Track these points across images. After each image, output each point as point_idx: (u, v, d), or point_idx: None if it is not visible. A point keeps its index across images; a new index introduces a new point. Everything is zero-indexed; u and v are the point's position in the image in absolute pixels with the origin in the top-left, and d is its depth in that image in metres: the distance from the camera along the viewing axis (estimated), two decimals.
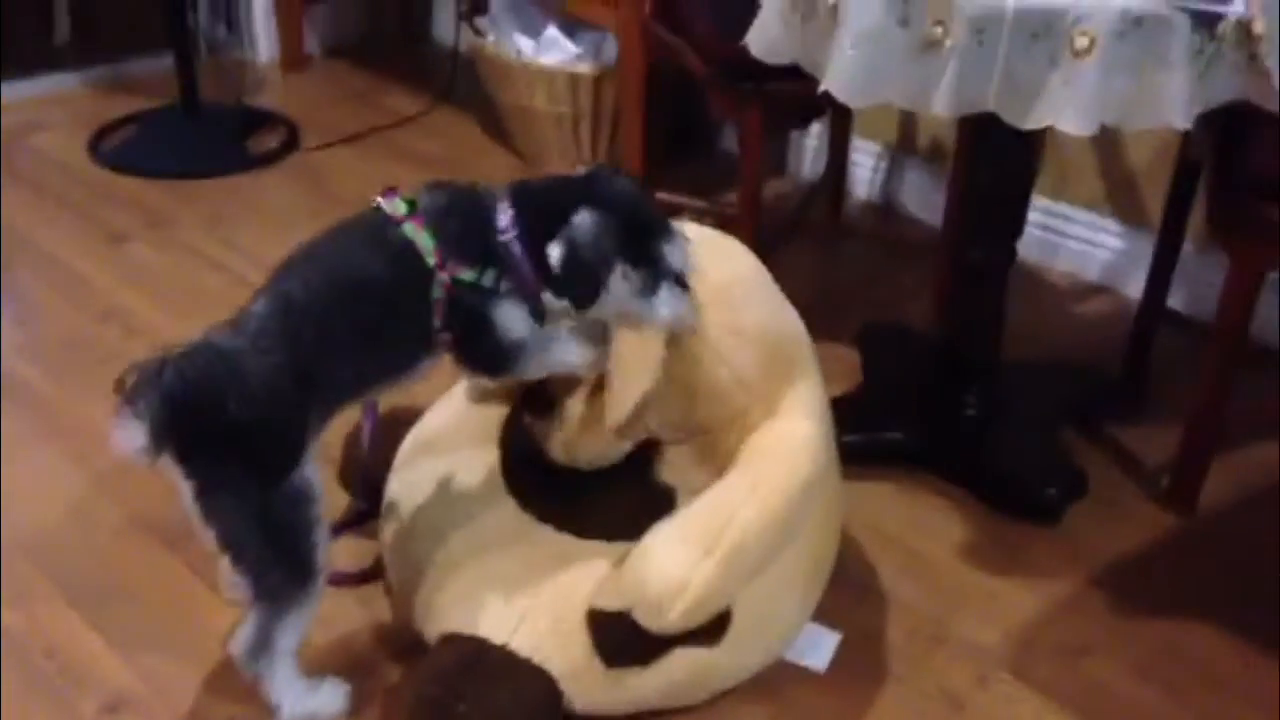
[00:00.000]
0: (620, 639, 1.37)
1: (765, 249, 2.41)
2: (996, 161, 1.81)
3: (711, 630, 1.41)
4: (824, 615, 1.62)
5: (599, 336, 1.48)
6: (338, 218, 2.67)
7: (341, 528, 1.73)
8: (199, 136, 2.95)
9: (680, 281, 1.41)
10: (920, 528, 1.82)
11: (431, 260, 1.35)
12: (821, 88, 1.55)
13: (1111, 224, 2.50)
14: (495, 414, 1.69)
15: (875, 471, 1.91)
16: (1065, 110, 1.46)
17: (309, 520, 1.35)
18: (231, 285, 2.36)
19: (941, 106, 1.50)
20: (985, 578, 1.73)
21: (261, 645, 1.39)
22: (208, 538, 1.32)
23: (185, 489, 1.30)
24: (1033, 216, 2.57)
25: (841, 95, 1.54)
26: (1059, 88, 1.45)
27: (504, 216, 1.38)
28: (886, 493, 1.89)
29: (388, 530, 1.61)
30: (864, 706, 1.52)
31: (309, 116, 3.15)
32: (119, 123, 3.03)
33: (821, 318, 2.33)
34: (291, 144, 2.99)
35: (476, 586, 1.46)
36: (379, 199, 1.39)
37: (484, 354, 1.43)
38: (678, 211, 2.60)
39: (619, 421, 1.47)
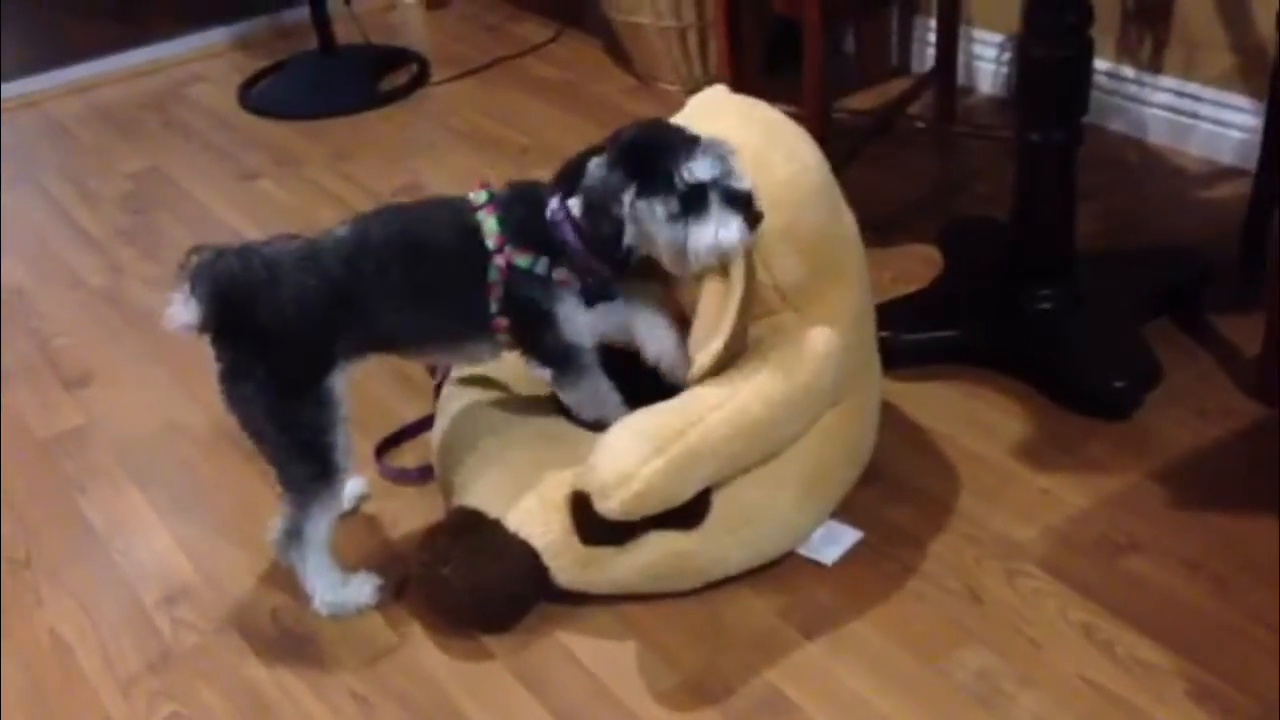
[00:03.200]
0: (596, 519, 1.40)
1: (851, 150, 2.38)
2: (1050, 32, 1.70)
3: (688, 516, 1.42)
4: (854, 512, 1.60)
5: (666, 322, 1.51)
6: (451, 149, 2.79)
7: (418, 429, 1.82)
8: (333, 77, 3.09)
9: (730, 199, 1.34)
10: (974, 426, 1.75)
11: (491, 243, 1.42)
12: None
13: (1244, 102, 2.30)
14: None
15: (938, 370, 1.85)
16: None
17: (326, 421, 1.44)
18: (343, 216, 2.46)
19: None
20: (1036, 475, 1.66)
21: (291, 535, 1.49)
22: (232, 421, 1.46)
23: (218, 370, 1.43)
24: (1161, 98, 2.42)
25: None
26: None
27: (553, 201, 1.42)
28: (945, 391, 1.82)
29: (440, 421, 1.68)
30: (878, 600, 1.49)
31: (443, 51, 3.24)
32: (267, 70, 3.20)
33: (917, 215, 2.29)
34: (421, 79, 3.09)
35: (489, 467, 1.53)
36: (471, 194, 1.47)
37: (544, 348, 1.47)
38: None
39: (701, 372, 1.42)
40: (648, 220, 1.37)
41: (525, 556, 1.45)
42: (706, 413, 1.38)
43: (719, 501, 1.44)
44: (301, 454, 1.45)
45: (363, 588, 1.55)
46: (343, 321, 1.43)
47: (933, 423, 1.76)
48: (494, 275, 1.42)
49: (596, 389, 1.50)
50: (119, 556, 1.68)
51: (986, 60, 2.71)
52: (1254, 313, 1.85)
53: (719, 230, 1.35)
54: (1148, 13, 2.39)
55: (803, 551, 1.55)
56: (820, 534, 1.56)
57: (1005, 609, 1.46)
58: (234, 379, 1.43)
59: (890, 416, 1.77)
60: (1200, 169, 2.36)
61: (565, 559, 1.46)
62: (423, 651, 1.49)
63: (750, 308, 1.42)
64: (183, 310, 1.37)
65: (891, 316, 1.89)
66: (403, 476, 1.75)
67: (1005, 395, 1.80)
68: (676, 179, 1.34)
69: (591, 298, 1.45)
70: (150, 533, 1.71)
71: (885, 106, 2.62)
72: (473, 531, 1.47)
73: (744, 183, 1.36)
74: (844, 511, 1.60)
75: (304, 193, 2.60)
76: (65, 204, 2.64)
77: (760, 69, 2.77)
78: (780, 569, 1.54)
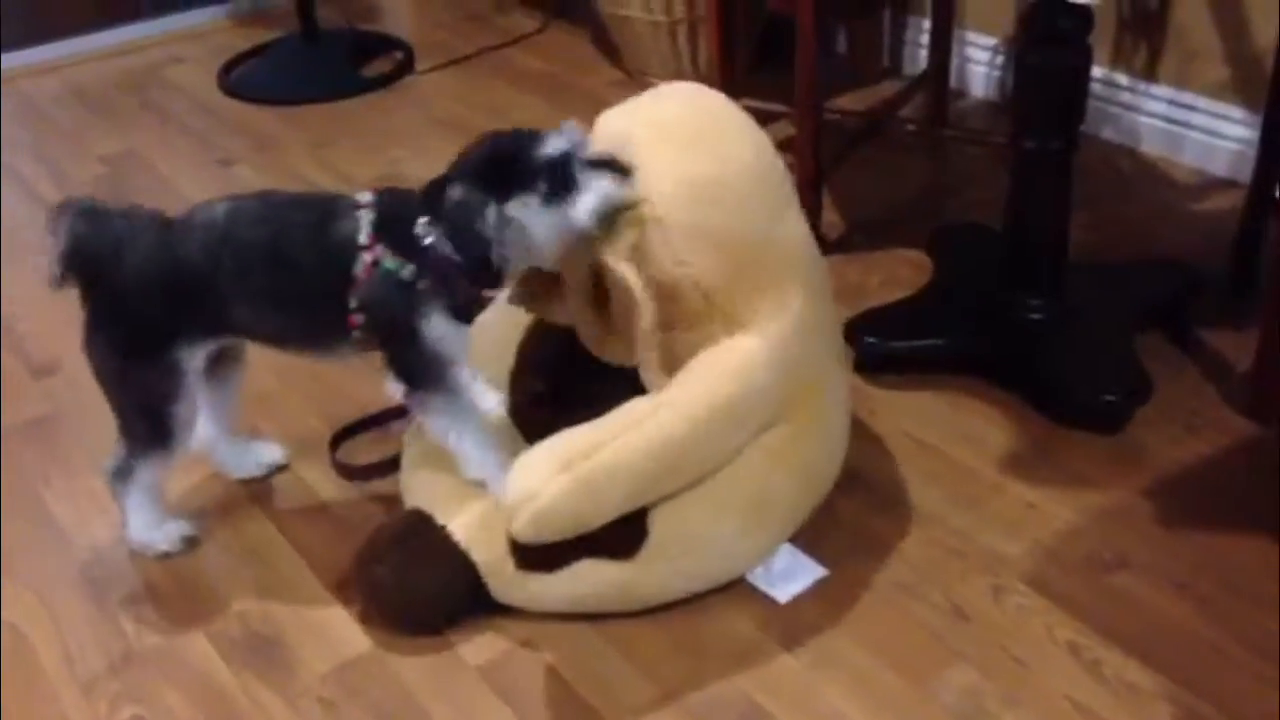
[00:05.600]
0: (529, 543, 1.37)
1: (841, 152, 2.35)
2: (1047, 38, 1.67)
3: (621, 545, 1.38)
4: (837, 522, 1.57)
5: None
6: (433, 139, 2.75)
7: (379, 420, 1.78)
8: (317, 63, 3.04)
9: (596, 164, 1.35)
10: (963, 437, 1.72)
11: (364, 239, 1.40)
12: None
13: (1239, 113, 2.28)
14: (524, 322, 1.68)
15: (925, 378, 1.82)
16: None
17: (169, 390, 1.48)
18: None
19: None
20: (1025, 489, 1.63)
21: (122, 473, 1.53)
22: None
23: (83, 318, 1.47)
24: (1155, 106, 2.40)
25: None
26: None
27: (421, 220, 1.39)
28: (933, 400, 1.79)
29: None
30: (861, 614, 1.46)
31: (428, 39, 3.19)
32: (249, 53, 3.15)
33: (907, 220, 2.26)
34: (406, 67, 3.04)
35: (445, 471, 1.49)
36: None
37: (402, 359, 1.44)
38: (764, 116, 2.52)
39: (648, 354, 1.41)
40: (524, 218, 1.34)
41: (463, 568, 1.42)
42: (623, 430, 1.33)
43: (657, 529, 1.40)
44: (141, 415, 1.50)
45: (171, 534, 1.59)
46: (190, 304, 1.44)
47: (919, 432, 1.73)
48: (358, 269, 1.39)
49: (460, 415, 1.45)
50: (83, 552, 1.64)
51: (980, 63, 2.68)
52: (1246, 328, 1.83)
53: (596, 190, 1.34)
54: (1144, 20, 2.36)
55: (757, 583, 1.50)
56: (781, 565, 1.51)
57: (991, 626, 1.43)
58: (88, 330, 1.46)
59: (875, 425, 1.75)
60: (1193, 180, 2.33)
61: (502, 578, 1.43)
62: (394, 657, 1.45)
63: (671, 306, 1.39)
64: (50, 262, 1.41)
65: (879, 323, 1.88)
66: (352, 472, 1.71)
67: (993, 406, 1.77)
68: (535, 164, 1.33)
69: (460, 314, 1.42)
70: (115, 528, 1.66)
71: (877, 108, 2.59)
72: (416, 534, 1.44)
73: (598, 150, 1.36)
74: (826, 520, 1.56)
75: (282, 180, 2.55)
76: (37, 186, 2.58)
77: (751, 66, 2.74)
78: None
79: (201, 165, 2.63)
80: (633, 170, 1.35)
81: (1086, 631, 1.41)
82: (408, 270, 1.39)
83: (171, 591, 1.56)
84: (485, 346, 1.62)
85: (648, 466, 1.34)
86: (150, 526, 1.58)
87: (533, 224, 1.35)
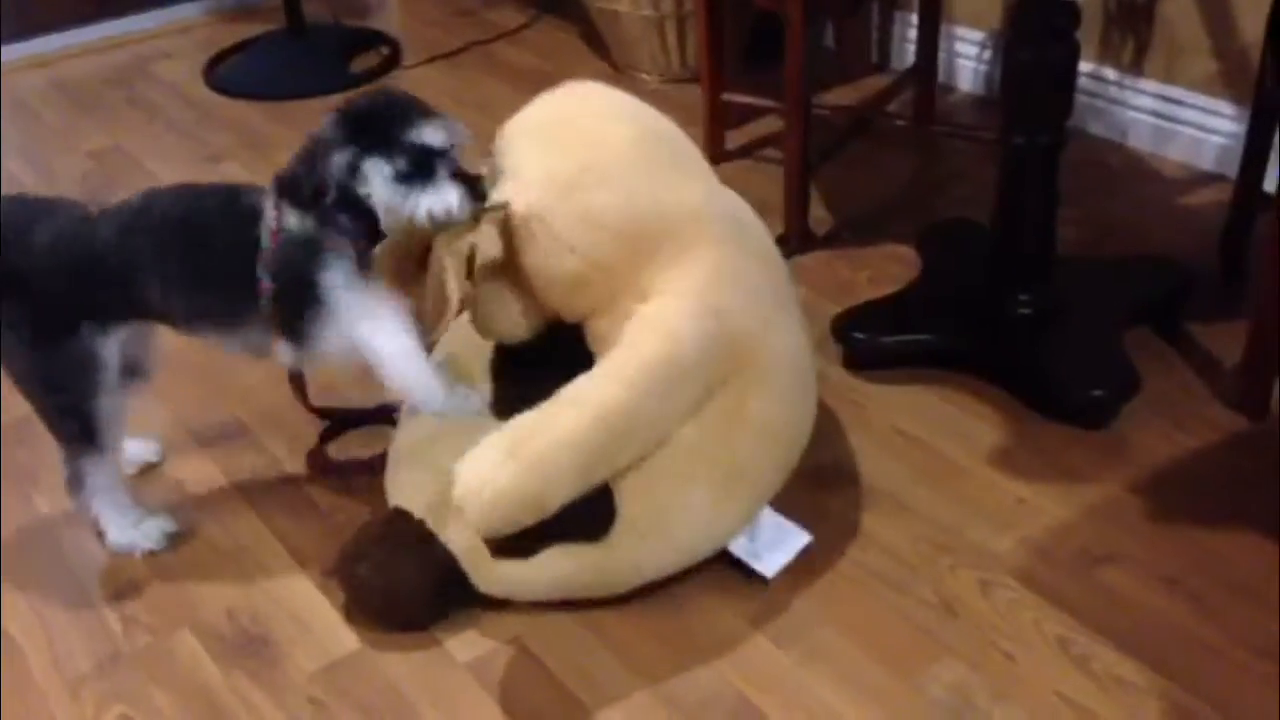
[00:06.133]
0: None
1: (829, 149, 2.35)
2: (1037, 34, 1.67)
3: (590, 525, 1.38)
4: (825, 518, 1.57)
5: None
6: None
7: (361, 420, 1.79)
8: (304, 58, 3.03)
9: (456, 174, 1.38)
10: (952, 432, 1.72)
11: (269, 213, 1.40)
12: None
13: (1227, 107, 2.28)
14: None
15: (914, 373, 1.82)
16: None
17: (86, 386, 1.47)
18: None
19: None
20: (1014, 484, 1.63)
21: (75, 482, 1.53)
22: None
23: None
24: (1143, 101, 2.40)
25: None
26: None
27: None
28: (922, 395, 1.79)
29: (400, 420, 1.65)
30: (850, 609, 1.46)
31: (415, 34, 3.18)
32: (235, 48, 3.13)
33: (895, 216, 2.26)
34: (393, 62, 3.03)
35: (419, 467, 1.50)
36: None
37: (302, 320, 1.42)
38: (752, 112, 2.53)
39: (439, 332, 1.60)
40: (372, 179, 1.37)
41: (445, 563, 1.42)
42: (565, 407, 1.33)
43: (625, 506, 1.40)
44: (63, 415, 1.49)
45: (152, 531, 1.59)
46: (98, 283, 1.43)
47: (908, 427, 1.73)
48: (265, 241, 1.40)
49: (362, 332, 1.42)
50: (71, 551, 1.63)
51: (967, 58, 2.68)
52: (1234, 323, 1.83)
53: (443, 197, 1.37)
54: (1131, 14, 2.36)
55: (741, 555, 1.49)
56: (765, 535, 1.50)
57: (980, 621, 1.44)
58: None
59: (864, 420, 1.75)
60: (1180, 174, 2.34)
61: (481, 569, 1.43)
62: (383, 656, 1.44)
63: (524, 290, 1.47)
64: None
65: (867, 318, 1.88)
66: (341, 470, 1.71)
67: (982, 401, 1.77)
68: (405, 142, 1.36)
69: (363, 263, 1.42)
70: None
71: (864, 104, 2.59)
72: (397, 532, 1.44)
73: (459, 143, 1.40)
74: (815, 514, 1.56)
75: (271, 177, 2.54)
76: (23, 181, 2.57)
77: (740, 62, 2.73)
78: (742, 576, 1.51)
79: (190, 162, 2.62)
80: (485, 196, 1.41)
81: (1075, 626, 1.42)
82: (309, 223, 1.39)
83: (159, 590, 1.56)
84: (465, 341, 1.64)
85: (594, 437, 1.32)
86: (128, 527, 1.58)
87: (376, 189, 1.37)
